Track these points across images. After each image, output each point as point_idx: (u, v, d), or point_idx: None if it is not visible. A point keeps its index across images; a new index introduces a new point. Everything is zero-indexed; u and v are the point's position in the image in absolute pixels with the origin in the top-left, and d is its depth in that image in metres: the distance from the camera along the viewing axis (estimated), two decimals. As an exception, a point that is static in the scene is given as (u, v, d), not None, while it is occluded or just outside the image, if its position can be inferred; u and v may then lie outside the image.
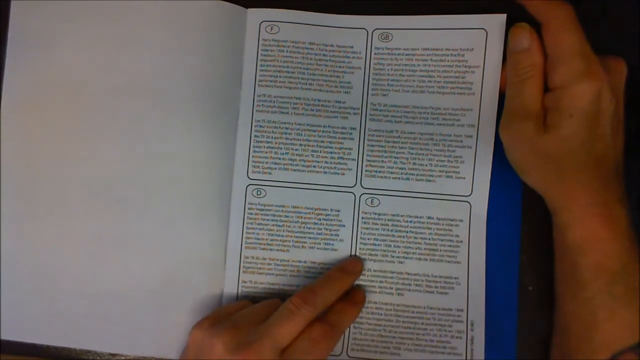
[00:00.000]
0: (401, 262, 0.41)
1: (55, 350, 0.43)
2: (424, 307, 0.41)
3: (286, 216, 0.42)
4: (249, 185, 0.42)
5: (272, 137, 0.42)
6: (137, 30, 0.42)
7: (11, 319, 0.42)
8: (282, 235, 0.42)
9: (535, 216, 0.41)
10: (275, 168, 0.42)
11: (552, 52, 0.35)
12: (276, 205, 0.42)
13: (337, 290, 0.39)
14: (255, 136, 0.42)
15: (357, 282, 0.42)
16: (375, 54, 0.42)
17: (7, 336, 0.43)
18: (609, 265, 0.34)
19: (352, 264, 0.41)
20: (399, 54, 0.41)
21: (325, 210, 0.42)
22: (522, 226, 0.42)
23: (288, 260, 0.42)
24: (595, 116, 0.34)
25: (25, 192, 0.42)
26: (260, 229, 0.42)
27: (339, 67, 0.42)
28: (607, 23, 0.42)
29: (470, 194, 0.41)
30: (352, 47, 0.42)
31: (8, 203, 0.42)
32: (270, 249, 0.42)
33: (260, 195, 0.42)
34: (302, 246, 0.42)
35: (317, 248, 0.42)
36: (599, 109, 0.34)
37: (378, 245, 0.42)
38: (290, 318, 0.36)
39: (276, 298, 0.41)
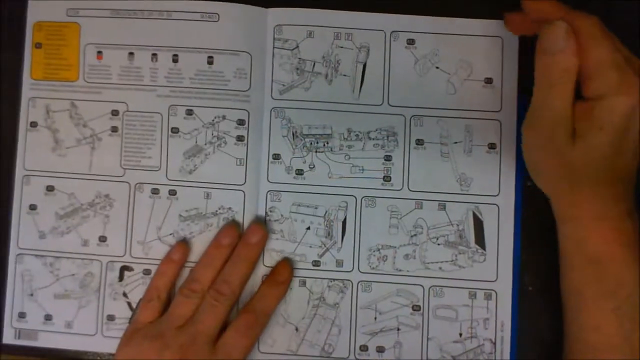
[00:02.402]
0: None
1: (55, 350, 0.43)
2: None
3: None
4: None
5: None
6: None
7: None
8: None
9: (535, 216, 0.41)
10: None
11: (584, 63, 0.33)
12: None
13: (247, 268, 0.41)
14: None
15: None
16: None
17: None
18: (627, 279, 0.34)
19: (253, 233, 0.41)
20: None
21: None
22: (522, 226, 0.42)
23: None
24: (624, 131, 0.33)
25: None
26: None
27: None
28: (607, 24, 0.42)
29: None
30: None
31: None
32: None
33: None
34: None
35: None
36: (629, 124, 0.33)
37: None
38: (212, 312, 0.39)
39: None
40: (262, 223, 0.42)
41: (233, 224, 0.42)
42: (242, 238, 0.41)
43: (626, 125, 0.33)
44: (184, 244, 0.42)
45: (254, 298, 0.41)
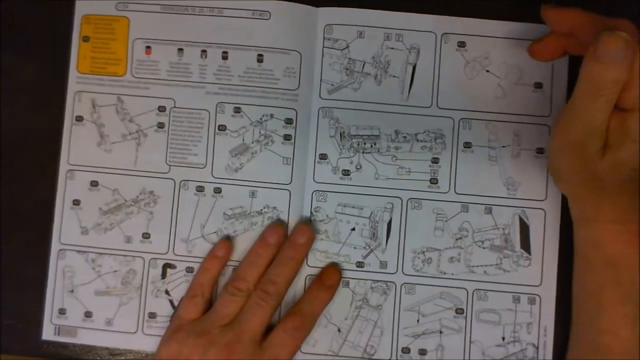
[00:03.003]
0: None
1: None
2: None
3: None
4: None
5: None
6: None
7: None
8: None
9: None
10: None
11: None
12: None
13: (293, 269, 0.40)
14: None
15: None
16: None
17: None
18: None
19: (300, 234, 0.41)
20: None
21: None
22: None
23: None
24: None
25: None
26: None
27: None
28: None
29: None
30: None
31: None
32: None
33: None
34: None
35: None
36: None
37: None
38: (257, 311, 0.39)
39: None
40: (309, 224, 0.42)
41: (279, 223, 0.42)
42: (289, 238, 0.41)
43: None
44: (227, 240, 0.42)
45: (302, 300, 0.41)
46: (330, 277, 0.41)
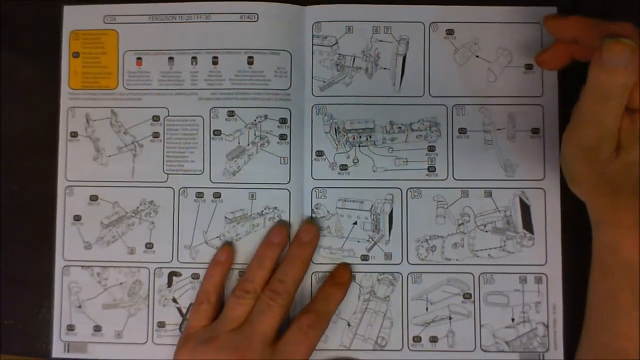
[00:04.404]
0: None
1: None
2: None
3: None
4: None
5: None
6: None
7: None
8: None
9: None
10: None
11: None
12: None
13: (301, 268, 0.40)
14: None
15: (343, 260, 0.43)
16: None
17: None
18: None
19: (306, 232, 0.41)
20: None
21: None
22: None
23: None
24: None
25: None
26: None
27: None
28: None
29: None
30: None
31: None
32: None
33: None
34: None
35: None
36: None
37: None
38: (267, 312, 0.39)
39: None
40: (314, 222, 0.42)
41: (283, 224, 0.42)
42: (295, 237, 0.42)
43: None
44: (228, 245, 0.42)
45: (315, 299, 0.41)
46: (341, 275, 0.42)
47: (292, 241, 0.41)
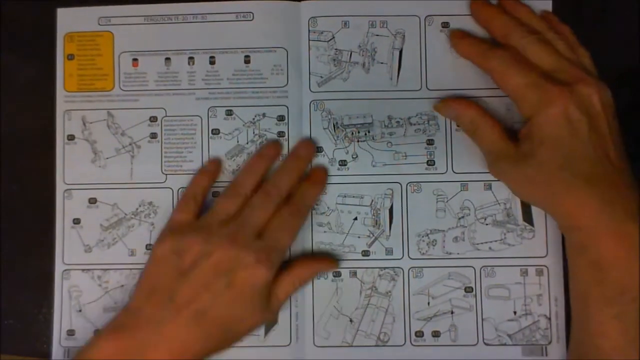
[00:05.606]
0: None
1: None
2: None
3: None
4: None
5: None
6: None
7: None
8: None
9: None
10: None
11: (507, 93, 0.38)
12: None
13: (295, 176, 0.41)
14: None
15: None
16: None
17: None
18: (631, 283, 0.34)
19: (302, 147, 0.42)
20: None
21: None
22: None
23: None
24: (568, 139, 0.35)
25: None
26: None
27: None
28: (607, 23, 0.43)
29: None
30: None
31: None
32: None
33: None
34: None
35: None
36: (569, 131, 0.35)
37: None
38: (259, 206, 0.39)
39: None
40: (310, 139, 0.43)
41: (276, 140, 0.43)
42: (291, 151, 0.42)
43: (565, 133, 0.35)
44: (217, 159, 0.42)
45: (295, 195, 0.41)
46: (317, 175, 0.42)
47: (289, 153, 0.42)
